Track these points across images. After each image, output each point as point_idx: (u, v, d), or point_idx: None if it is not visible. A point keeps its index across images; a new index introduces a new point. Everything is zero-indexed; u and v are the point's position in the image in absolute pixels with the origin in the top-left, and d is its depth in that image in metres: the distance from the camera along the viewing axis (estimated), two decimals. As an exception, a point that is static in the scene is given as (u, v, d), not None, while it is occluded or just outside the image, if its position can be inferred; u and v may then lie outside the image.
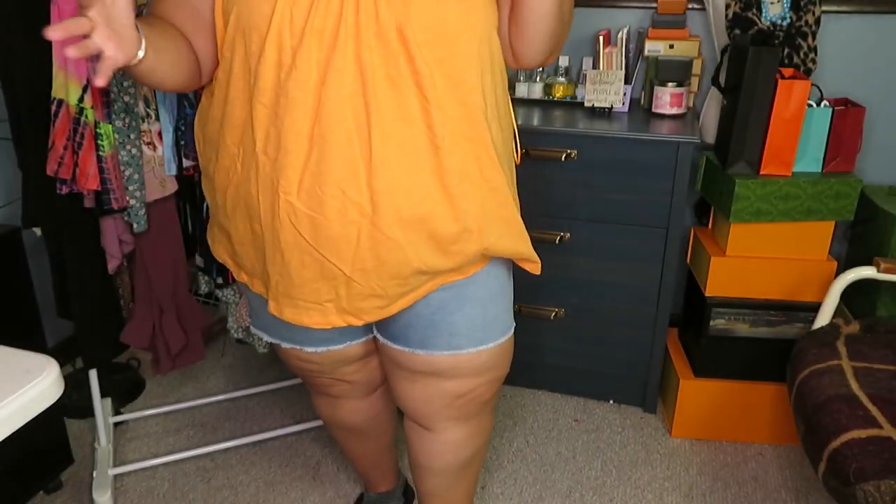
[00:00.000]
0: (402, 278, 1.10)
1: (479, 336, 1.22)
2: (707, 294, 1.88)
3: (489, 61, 1.08)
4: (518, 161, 1.25)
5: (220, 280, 1.64)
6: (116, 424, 2.02)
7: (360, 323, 1.16)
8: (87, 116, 1.36)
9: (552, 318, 2.01)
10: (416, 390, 1.29)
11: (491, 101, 1.09)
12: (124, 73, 1.12)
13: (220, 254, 1.26)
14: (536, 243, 1.25)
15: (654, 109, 1.97)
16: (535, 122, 1.92)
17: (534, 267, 1.22)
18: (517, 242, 1.18)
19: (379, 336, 1.26)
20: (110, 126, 1.38)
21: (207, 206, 1.57)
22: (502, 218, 1.14)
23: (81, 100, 1.35)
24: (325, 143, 1.00)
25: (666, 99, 1.94)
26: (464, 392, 1.27)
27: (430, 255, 1.09)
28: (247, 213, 1.11)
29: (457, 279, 1.16)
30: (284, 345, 1.30)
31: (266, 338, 1.33)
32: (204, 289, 1.76)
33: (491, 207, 1.12)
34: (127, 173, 1.42)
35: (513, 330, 1.29)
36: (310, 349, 1.28)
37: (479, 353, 1.23)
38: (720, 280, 1.87)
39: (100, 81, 0.89)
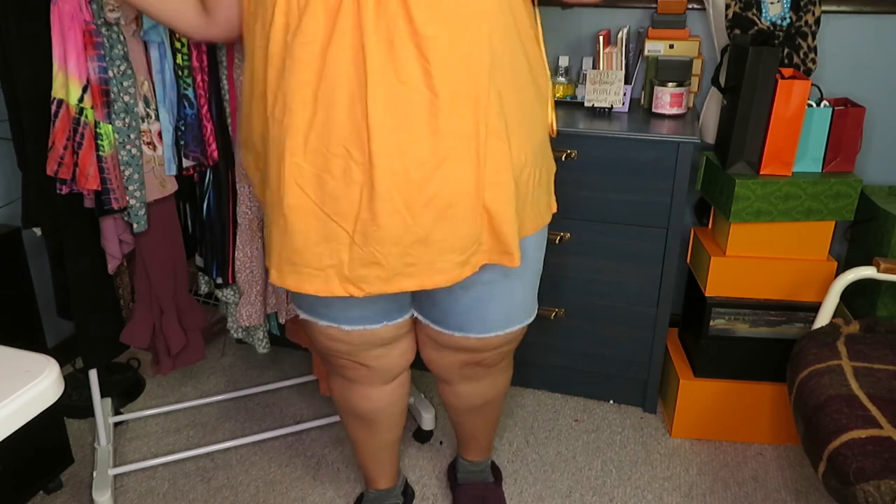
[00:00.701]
0: (401, 246, 1.09)
1: (509, 319, 1.33)
2: (707, 294, 1.88)
3: (509, 19, 1.07)
4: (553, 133, 1.26)
5: (219, 280, 1.64)
6: (116, 424, 2.02)
7: (361, 294, 1.14)
8: (87, 116, 1.36)
9: (552, 318, 2.01)
10: (441, 358, 1.43)
11: (508, 63, 1.08)
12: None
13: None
14: (536, 243, 1.25)
15: (654, 109, 1.97)
16: (535, 122, 1.91)
17: (511, 259, 1.18)
18: (524, 217, 1.18)
19: (420, 317, 1.36)
20: (110, 126, 1.38)
21: (208, 206, 1.58)
22: (498, 183, 1.11)
23: (81, 100, 1.35)
24: (331, 103, 1.02)
25: (666, 99, 1.94)
26: (476, 361, 1.41)
27: (429, 222, 1.08)
28: (261, 180, 1.15)
29: (470, 274, 1.16)
30: (321, 322, 1.31)
31: (302, 314, 1.34)
32: (204, 289, 1.76)
33: (493, 173, 1.10)
34: (127, 173, 1.42)
35: (536, 311, 1.40)
36: (346, 327, 1.30)
37: (506, 335, 1.35)
38: (720, 280, 1.87)
39: None
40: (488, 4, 1.04)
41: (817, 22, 1.86)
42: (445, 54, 1.01)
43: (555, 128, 1.27)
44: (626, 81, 1.99)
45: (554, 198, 1.33)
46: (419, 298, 1.33)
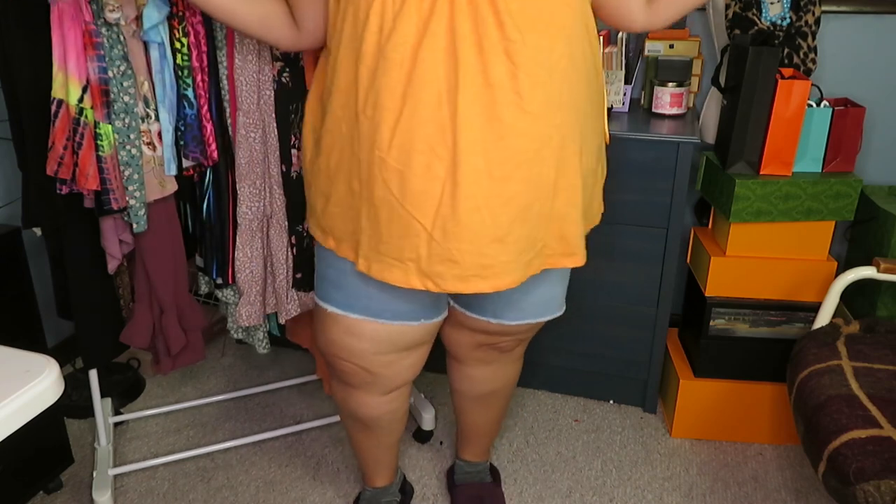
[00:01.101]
0: (477, 245, 1.13)
1: (542, 310, 1.39)
2: (707, 294, 1.88)
3: (582, 30, 1.14)
4: (607, 140, 1.32)
5: (219, 280, 1.64)
6: (116, 424, 2.02)
7: (436, 289, 1.18)
8: (86, 116, 1.36)
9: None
10: (460, 335, 1.48)
11: (582, 70, 1.15)
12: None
13: (311, 225, 1.34)
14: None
15: (654, 109, 1.97)
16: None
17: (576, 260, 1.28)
18: (586, 219, 1.27)
19: (455, 305, 1.41)
20: (110, 126, 1.38)
21: (207, 206, 1.58)
22: (570, 187, 1.19)
23: (81, 100, 1.35)
24: (417, 102, 1.07)
25: (666, 99, 1.94)
26: (492, 343, 1.47)
27: (507, 222, 1.13)
28: (347, 172, 1.18)
29: (532, 275, 1.22)
30: (355, 316, 1.31)
31: (332, 308, 1.33)
32: (204, 289, 1.76)
33: (567, 177, 1.18)
34: (127, 173, 1.42)
35: (564, 308, 1.44)
36: (385, 322, 1.30)
37: (536, 324, 1.42)
38: (720, 280, 1.87)
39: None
40: (569, 16, 1.11)
41: (817, 22, 1.85)
42: (531, 59, 1.07)
43: (608, 134, 1.34)
44: (627, 81, 1.99)
45: (602, 201, 1.41)
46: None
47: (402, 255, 1.16)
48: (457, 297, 1.40)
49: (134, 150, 1.43)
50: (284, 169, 1.57)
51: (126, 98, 1.39)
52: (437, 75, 1.06)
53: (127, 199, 1.44)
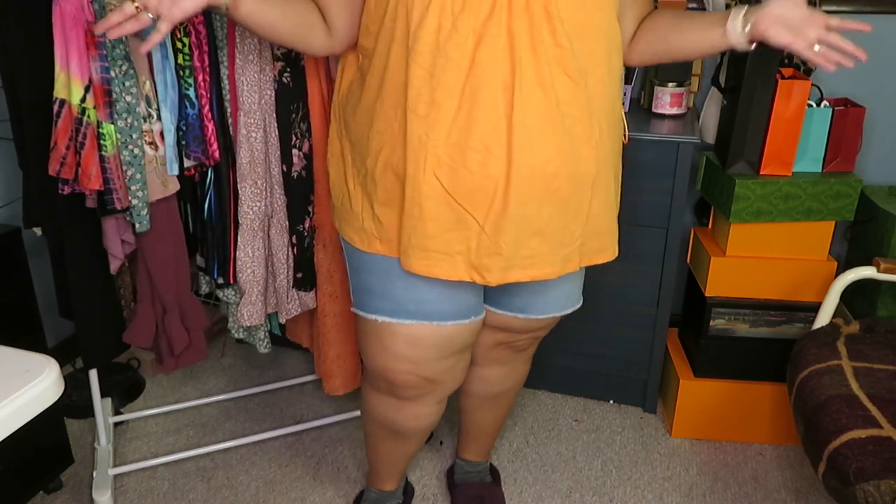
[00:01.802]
0: (521, 236, 1.17)
1: (563, 304, 1.42)
2: (707, 294, 1.88)
3: (614, 40, 1.20)
4: (626, 142, 1.36)
5: (220, 280, 1.64)
6: (116, 424, 2.02)
7: (482, 281, 1.21)
8: (89, 116, 1.36)
9: (552, 318, 2.01)
10: (480, 336, 1.45)
11: (615, 77, 1.21)
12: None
13: (348, 233, 1.32)
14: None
15: (654, 109, 1.98)
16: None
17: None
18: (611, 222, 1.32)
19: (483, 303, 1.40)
20: (112, 126, 1.38)
21: (209, 205, 1.58)
22: (604, 183, 1.25)
23: (83, 100, 1.35)
24: (475, 100, 1.10)
25: (666, 99, 1.94)
26: (509, 341, 1.48)
27: (548, 214, 1.17)
28: (395, 171, 1.20)
29: (570, 271, 1.26)
30: (408, 322, 1.29)
31: (382, 318, 1.30)
32: (205, 289, 1.76)
33: (602, 173, 1.23)
34: (129, 173, 1.42)
35: (582, 299, 1.47)
36: (440, 323, 1.29)
37: (554, 318, 1.44)
38: (720, 280, 1.87)
39: (146, 46, 1.10)
40: (609, 25, 1.18)
41: (817, 22, 1.85)
42: (579, 65, 1.13)
43: (627, 135, 1.37)
44: (627, 81, 1.99)
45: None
46: (491, 287, 1.33)
47: (451, 248, 1.19)
48: (486, 294, 1.40)
49: (136, 150, 1.43)
50: (285, 168, 1.57)
51: (128, 98, 1.39)
52: (495, 76, 1.09)
53: (129, 198, 1.44)
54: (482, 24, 1.08)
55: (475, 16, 1.08)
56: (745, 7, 1.20)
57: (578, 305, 1.46)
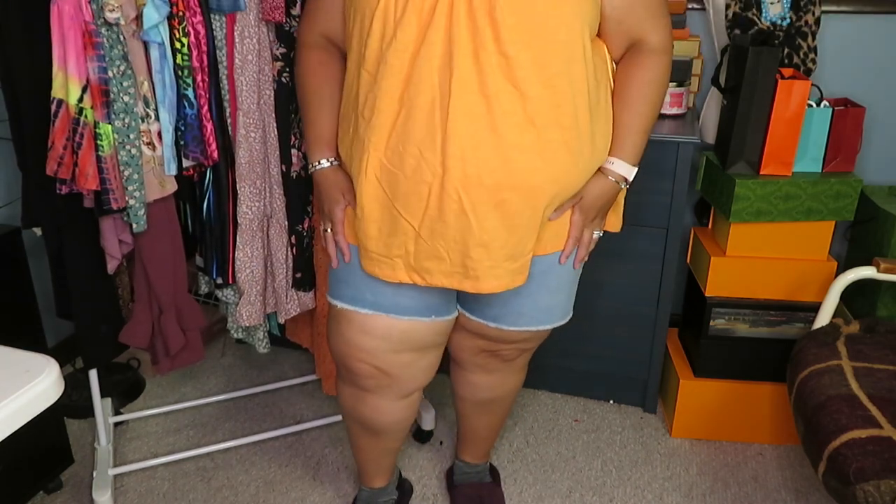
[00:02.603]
0: (464, 245, 1.18)
1: (540, 319, 1.38)
2: (707, 294, 1.88)
3: (576, 51, 1.14)
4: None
5: (219, 280, 1.64)
6: (116, 424, 2.02)
7: (423, 283, 1.23)
8: (86, 116, 1.36)
9: (552, 318, 2.01)
10: (461, 339, 1.49)
11: (581, 89, 1.15)
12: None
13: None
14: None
15: (654, 109, 1.97)
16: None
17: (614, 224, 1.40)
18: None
19: (459, 306, 1.41)
20: (110, 126, 1.38)
21: (207, 206, 1.58)
22: (558, 195, 1.22)
23: (81, 100, 1.35)
24: (412, 106, 1.12)
25: (666, 99, 1.94)
26: (494, 350, 1.47)
27: (493, 227, 1.16)
28: (352, 171, 1.24)
29: (522, 284, 1.25)
30: (364, 311, 1.32)
31: (342, 304, 1.34)
32: (204, 289, 1.76)
33: (561, 188, 1.21)
34: (126, 173, 1.42)
35: (569, 317, 1.43)
36: (397, 317, 1.31)
37: (536, 332, 1.41)
38: (720, 280, 1.87)
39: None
40: (568, 34, 1.11)
41: (817, 22, 1.86)
42: (528, 75, 1.09)
43: None
44: (626, 81, 1.98)
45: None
46: (464, 292, 1.34)
47: (391, 252, 1.22)
48: (461, 298, 1.41)
49: (134, 150, 1.42)
50: (284, 169, 1.57)
51: (126, 98, 1.39)
52: (432, 82, 1.10)
53: (126, 198, 1.44)
54: (422, 30, 1.09)
55: (416, 23, 1.09)
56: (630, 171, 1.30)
57: (563, 322, 1.42)
